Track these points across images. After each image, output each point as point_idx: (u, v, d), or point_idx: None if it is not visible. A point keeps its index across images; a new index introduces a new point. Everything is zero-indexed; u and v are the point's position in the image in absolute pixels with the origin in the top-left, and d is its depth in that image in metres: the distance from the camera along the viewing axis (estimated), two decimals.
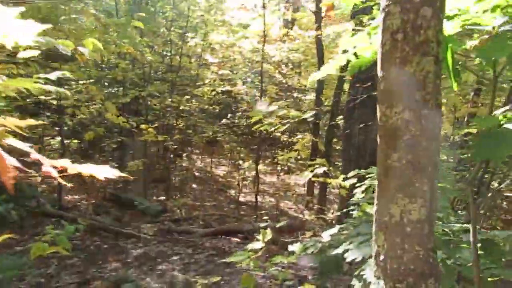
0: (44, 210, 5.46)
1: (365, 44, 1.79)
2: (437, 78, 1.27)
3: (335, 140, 12.47)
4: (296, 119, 2.95)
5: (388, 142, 1.30)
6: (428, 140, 1.26)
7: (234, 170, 13.19)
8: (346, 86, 12.04)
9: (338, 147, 11.92)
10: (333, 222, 9.55)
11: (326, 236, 2.22)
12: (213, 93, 14.03)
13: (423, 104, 1.25)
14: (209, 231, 5.74)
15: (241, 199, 10.52)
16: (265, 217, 7.69)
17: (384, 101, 1.30)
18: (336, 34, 12.88)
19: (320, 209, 9.46)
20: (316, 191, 11.20)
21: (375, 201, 1.35)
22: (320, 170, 2.88)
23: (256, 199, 8.04)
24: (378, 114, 1.32)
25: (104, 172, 1.10)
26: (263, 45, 9.63)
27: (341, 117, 11.88)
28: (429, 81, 1.26)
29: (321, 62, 10.42)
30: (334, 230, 2.23)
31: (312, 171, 2.97)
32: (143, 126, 5.72)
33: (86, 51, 2.21)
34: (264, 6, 8.95)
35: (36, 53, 1.65)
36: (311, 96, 13.86)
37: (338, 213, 8.07)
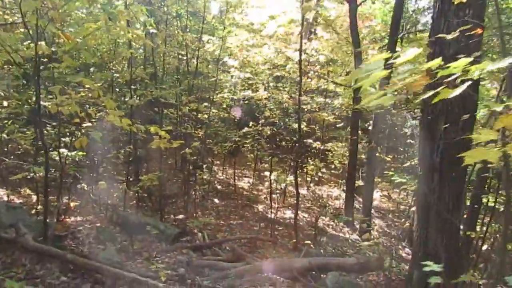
0: (22, 244, 3.96)
1: None
2: None
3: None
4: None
5: None
6: None
7: (259, 182, 11.62)
8: None
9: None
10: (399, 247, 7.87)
11: None
12: (233, 98, 12.59)
13: None
14: (243, 269, 4.09)
15: (271, 215, 8.92)
16: (306, 241, 6.10)
17: None
18: (369, 30, 11.30)
19: (364, 227, 7.76)
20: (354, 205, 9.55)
21: None
22: None
23: (296, 217, 6.42)
24: None
25: None
26: (301, 40, 7.87)
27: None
28: None
29: (358, 57, 8.78)
30: None
31: None
32: (152, 128, 4.21)
33: None
34: None
35: None
36: (339, 100, 12.27)
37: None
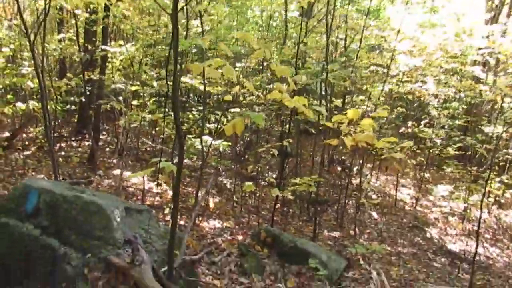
0: (135, 280, 2.44)
1: None
2: None
3: None
4: None
5: None
6: None
7: (421, 195, 9.05)
8: None
9: None
10: None
11: None
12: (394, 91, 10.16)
13: None
14: None
15: (451, 246, 6.44)
16: None
17: None
18: None
19: None
20: None
21: None
22: None
23: None
24: None
25: None
26: None
27: None
28: None
29: None
30: None
31: None
32: (336, 117, 2.30)
33: None
34: None
35: None
36: None
37: None
